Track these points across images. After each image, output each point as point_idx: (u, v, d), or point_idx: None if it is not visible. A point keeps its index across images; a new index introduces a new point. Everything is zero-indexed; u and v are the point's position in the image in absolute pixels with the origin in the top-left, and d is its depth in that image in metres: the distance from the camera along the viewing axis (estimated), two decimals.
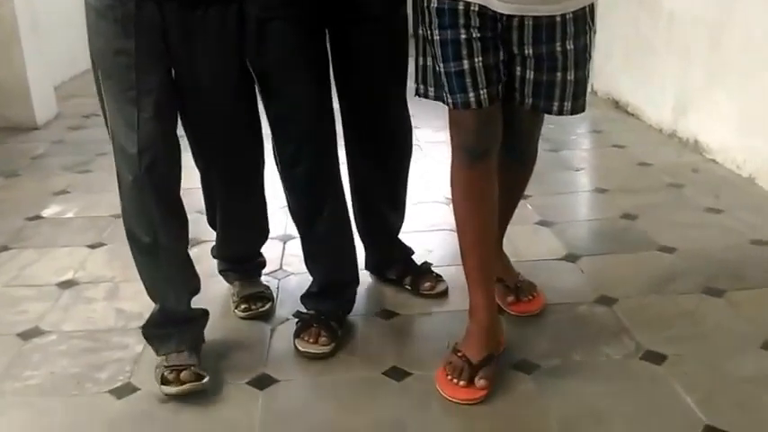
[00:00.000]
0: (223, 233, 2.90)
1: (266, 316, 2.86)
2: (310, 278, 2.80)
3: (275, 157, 2.63)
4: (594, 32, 2.45)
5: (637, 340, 2.62)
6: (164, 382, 2.38)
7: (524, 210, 3.68)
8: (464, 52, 2.28)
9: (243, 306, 2.87)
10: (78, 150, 5.02)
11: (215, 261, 3.01)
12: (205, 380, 2.38)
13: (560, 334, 2.68)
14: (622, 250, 3.35)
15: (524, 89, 2.41)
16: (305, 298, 2.79)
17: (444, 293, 2.97)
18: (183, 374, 2.36)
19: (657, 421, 2.21)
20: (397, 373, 2.50)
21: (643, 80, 5.40)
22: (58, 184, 4.39)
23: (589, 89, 5.89)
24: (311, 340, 2.62)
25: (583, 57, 2.40)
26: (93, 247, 3.48)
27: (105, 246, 3.48)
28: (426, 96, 2.47)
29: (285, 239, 3.42)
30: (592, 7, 2.40)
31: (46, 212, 3.96)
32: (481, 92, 2.30)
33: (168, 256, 2.46)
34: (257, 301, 2.89)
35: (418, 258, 3.10)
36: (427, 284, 2.99)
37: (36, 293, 3.08)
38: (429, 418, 2.30)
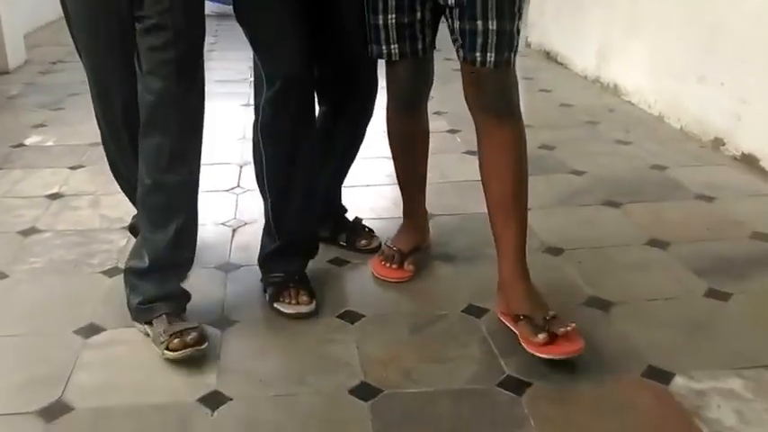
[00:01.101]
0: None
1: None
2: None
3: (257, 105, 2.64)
4: None
5: (541, 239, 3.11)
6: None
7: (454, 142, 4.18)
8: (380, 7, 2.49)
9: (176, 341, 2.34)
10: (49, 91, 5.42)
11: None
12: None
13: (477, 235, 3.09)
14: (538, 173, 3.77)
15: (455, 40, 2.46)
16: (268, 261, 2.78)
17: (379, 248, 3.02)
18: None
19: (551, 294, 2.66)
20: (338, 262, 3.00)
21: (571, 32, 5.91)
22: (36, 118, 4.82)
23: (523, 42, 6.44)
24: (293, 301, 2.63)
25: (509, 8, 2.38)
26: (73, 168, 3.91)
27: (85, 167, 3.92)
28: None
29: (242, 164, 3.87)
30: None
31: (28, 141, 4.40)
32: (392, 46, 2.53)
33: None
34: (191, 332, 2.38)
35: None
36: (363, 242, 3.08)
37: (28, 203, 3.54)
38: (366, 293, 2.80)
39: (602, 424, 2.10)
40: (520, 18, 2.43)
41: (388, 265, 2.87)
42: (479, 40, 2.37)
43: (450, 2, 2.41)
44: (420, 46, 2.57)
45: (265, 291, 2.72)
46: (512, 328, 2.45)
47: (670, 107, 4.56)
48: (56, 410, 2.14)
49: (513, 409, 2.14)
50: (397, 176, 2.95)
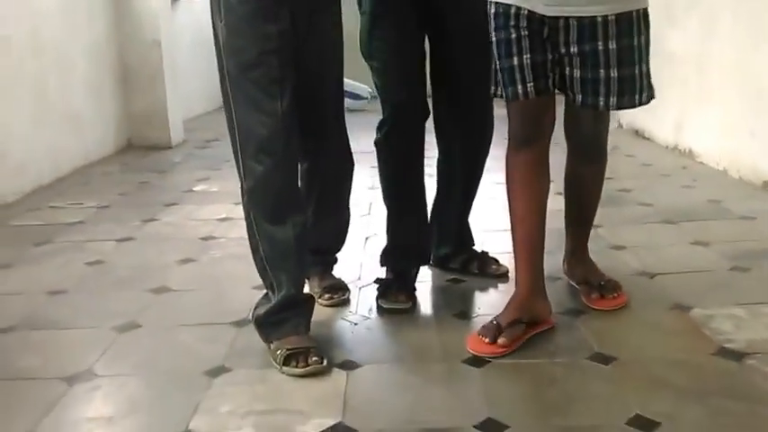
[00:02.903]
0: (319, 222, 3.11)
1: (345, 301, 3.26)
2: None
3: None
4: (646, 37, 2.67)
5: (609, 242, 3.89)
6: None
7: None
8: (514, 49, 2.63)
9: (326, 296, 3.20)
10: (207, 159, 6.50)
11: None
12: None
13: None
14: (614, 206, 4.56)
15: (573, 87, 2.66)
16: (383, 256, 3.32)
17: (506, 274, 3.43)
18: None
19: (612, 270, 3.38)
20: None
21: (653, 111, 6.72)
22: (199, 175, 5.84)
23: (615, 123, 7.29)
24: (392, 299, 3.17)
25: (628, 56, 2.61)
26: (236, 203, 4.68)
27: None
28: (496, 96, 2.79)
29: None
30: (642, 12, 2.64)
31: (196, 188, 5.43)
32: (528, 85, 2.63)
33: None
34: (338, 291, 3.24)
35: None
36: (494, 267, 3.47)
37: (203, 223, 4.50)
38: (479, 300, 3.53)
39: (635, 331, 2.94)
40: (643, 61, 2.67)
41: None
42: (602, 87, 2.62)
43: (572, 50, 2.61)
44: (550, 83, 2.70)
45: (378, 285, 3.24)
46: (576, 287, 3.26)
47: (731, 161, 5.34)
48: (244, 322, 3.06)
49: (570, 331, 2.94)
50: (512, 229, 2.87)
